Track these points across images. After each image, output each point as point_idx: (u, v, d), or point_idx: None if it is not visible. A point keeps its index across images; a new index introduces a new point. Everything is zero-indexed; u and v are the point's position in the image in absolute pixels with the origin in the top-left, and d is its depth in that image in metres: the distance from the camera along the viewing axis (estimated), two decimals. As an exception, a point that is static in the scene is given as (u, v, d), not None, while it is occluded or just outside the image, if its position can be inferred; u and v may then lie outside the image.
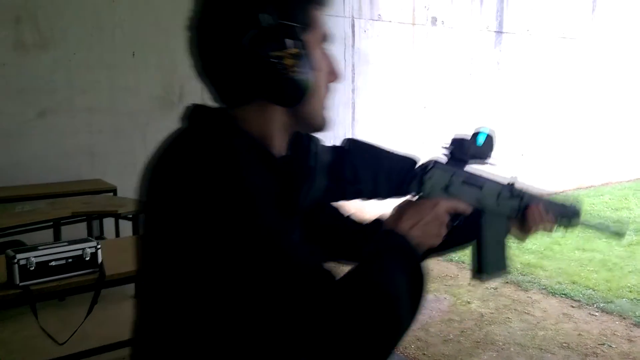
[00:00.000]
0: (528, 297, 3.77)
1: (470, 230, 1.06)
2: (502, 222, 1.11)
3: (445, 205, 0.92)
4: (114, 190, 3.87)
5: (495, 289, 3.92)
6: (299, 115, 0.80)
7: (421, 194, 0.95)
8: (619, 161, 8.29)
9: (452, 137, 1.00)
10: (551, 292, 3.83)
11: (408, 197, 0.94)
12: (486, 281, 1.10)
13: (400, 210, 0.90)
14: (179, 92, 4.42)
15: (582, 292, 3.82)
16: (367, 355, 0.68)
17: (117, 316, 2.72)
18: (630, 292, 3.80)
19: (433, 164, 0.97)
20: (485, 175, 1.07)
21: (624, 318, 3.41)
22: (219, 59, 0.76)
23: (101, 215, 3.61)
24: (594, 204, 6.80)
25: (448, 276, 4.21)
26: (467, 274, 4.26)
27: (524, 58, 6.93)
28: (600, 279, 4.08)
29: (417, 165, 0.96)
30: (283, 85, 0.74)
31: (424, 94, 5.98)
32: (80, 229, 3.57)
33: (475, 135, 1.00)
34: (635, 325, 3.31)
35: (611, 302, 3.64)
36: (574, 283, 4.00)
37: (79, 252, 2.02)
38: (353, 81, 5.50)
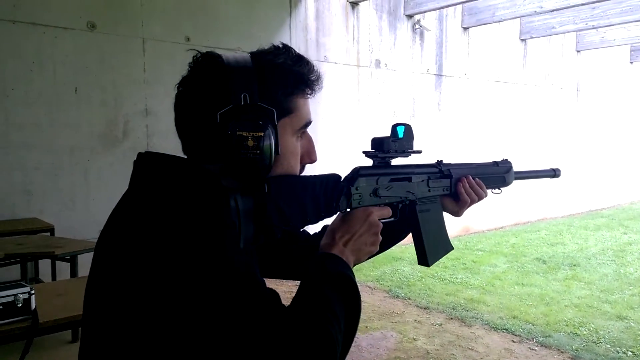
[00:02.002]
0: (472, 332, 3.84)
1: (409, 220, 1.08)
2: (437, 204, 1.13)
3: (376, 214, 0.94)
4: (51, 230, 3.70)
5: (441, 324, 3.98)
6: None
7: (350, 208, 0.94)
8: (553, 198, 8.74)
9: (372, 138, 1.01)
10: (493, 327, 3.93)
11: (339, 214, 0.94)
12: (432, 265, 1.12)
13: (333, 230, 0.92)
14: (123, 129, 4.34)
15: (522, 326, 3.94)
16: None
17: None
18: (567, 325, 3.96)
19: (356, 173, 0.96)
20: (412, 164, 1.08)
21: (561, 352, 3.53)
22: (196, 123, 0.80)
23: (36, 257, 3.43)
24: (531, 239, 7.09)
25: (395, 313, 4.24)
26: (413, 310, 4.31)
27: (462, 99, 7.27)
28: (538, 313, 4.23)
29: (341, 180, 0.94)
30: (238, 163, 0.77)
31: (369, 132, 6.13)
32: (13, 271, 3.38)
33: (394, 129, 1.03)
34: (572, 358, 3.43)
35: (549, 336, 3.77)
36: (514, 318, 4.12)
37: (10, 299, 1.91)
38: (300, 120, 5.58)
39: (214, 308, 0.67)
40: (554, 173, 1.46)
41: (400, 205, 1.05)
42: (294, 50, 0.85)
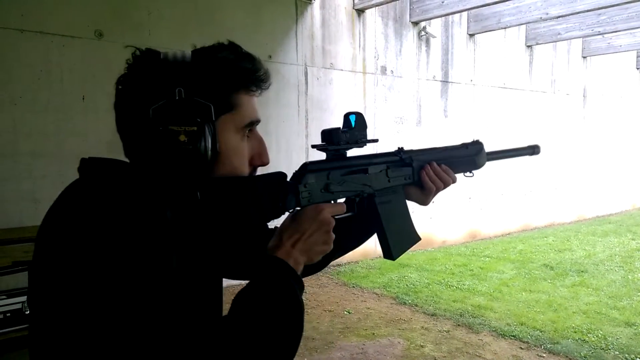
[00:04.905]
0: (479, 339, 3.82)
1: (371, 215, 1.02)
2: (399, 195, 1.06)
3: (327, 210, 0.88)
4: (58, 238, 3.71)
5: (448, 331, 3.96)
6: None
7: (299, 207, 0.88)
8: (561, 204, 8.69)
9: (321, 130, 0.97)
10: (501, 334, 3.90)
11: (288, 213, 0.88)
12: (397, 258, 1.06)
13: (281, 230, 0.86)
14: (130, 136, 4.37)
15: (530, 333, 3.91)
16: None
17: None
18: (575, 332, 3.92)
19: (304, 169, 0.90)
20: (368, 155, 1.01)
21: (570, 359, 3.50)
22: (132, 121, 0.79)
23: (43, 264, 3.44)
24: (538, 245, 7.05)
25: (402, 320, 4.22)
26: (420, 317, 4.29)
27: (468, 106, 7.26)
28: (546, 319, 4.20)
29: (288, 178, 0.89)
30: (172, 160, 0.74)
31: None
32: (21, 278, 3.39)
33: (346, 118, 0.98)
34: (581, 365, 3.41)
35: (558, 343, 3.74)
36: (522, 324, 4.09)
37: (18, 306, 1.92)
38: (306, 127, 5.59)
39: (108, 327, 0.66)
40: (532, 150, 1.39)
41: (357, 199, 1.00)
42: (241, 48, 0.82)
